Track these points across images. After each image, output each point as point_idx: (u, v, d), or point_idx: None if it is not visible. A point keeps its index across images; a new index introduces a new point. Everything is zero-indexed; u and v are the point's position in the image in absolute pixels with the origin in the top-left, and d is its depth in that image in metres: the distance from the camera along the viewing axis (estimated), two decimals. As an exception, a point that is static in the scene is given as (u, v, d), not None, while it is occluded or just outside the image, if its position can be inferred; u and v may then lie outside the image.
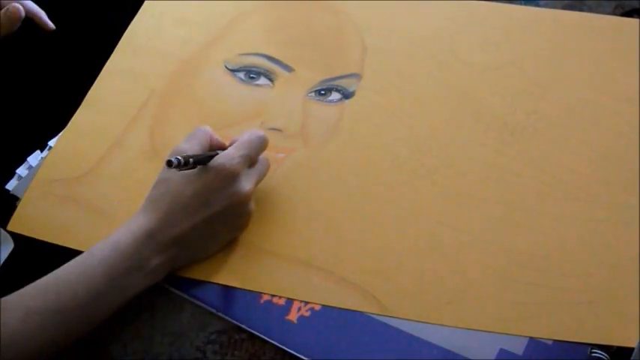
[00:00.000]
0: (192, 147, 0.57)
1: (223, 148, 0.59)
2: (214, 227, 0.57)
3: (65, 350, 0.53)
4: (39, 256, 0.62)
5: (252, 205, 0.59)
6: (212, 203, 0.55)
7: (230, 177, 0.56)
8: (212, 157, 0.57)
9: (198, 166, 0.56)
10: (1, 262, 0.61)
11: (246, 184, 0.57)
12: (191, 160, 0.54)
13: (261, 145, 0.59)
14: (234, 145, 0.58)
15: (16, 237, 0.63)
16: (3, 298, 0.51)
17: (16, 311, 0.50)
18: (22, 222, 0.64)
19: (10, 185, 0.67)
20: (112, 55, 0.75)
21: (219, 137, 0.60)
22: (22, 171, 0.67)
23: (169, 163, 0.53)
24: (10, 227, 0.64)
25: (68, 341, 0.53)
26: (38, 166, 0.67)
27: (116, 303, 0.54)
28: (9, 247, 0.62)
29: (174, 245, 0.56)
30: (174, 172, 0.56)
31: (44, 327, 0.51)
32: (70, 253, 0.61)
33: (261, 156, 0.60)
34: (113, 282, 0.53)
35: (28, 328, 0.50)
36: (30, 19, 0.72)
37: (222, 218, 0.57)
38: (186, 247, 0.56)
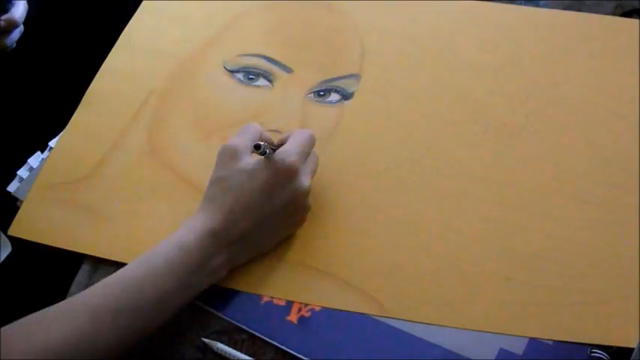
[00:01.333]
0: (243, 142, 0.57)
1: (272, 144, 0.59)
2: (275, 223, 0.57)
3: (130, 351, 0.53)
4: (39, 259, 0.62)
5: (310, 201, 0.59)
6: (274, 199, 0.56)
7: (291, 173, 0.56)
8: (275, 149, 0.57)
9: (259, 163, 0.56)
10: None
11: (305, 179, 0.57)
12: (267, 148, 0.55)
13: (312, 142, 0.60)
14: (290, 141, 0.58)
15: (17, 241, 0.64)
16: (69, 298, 0.52)
17: (84, 311, 0.50)
18: (22, 227, 0.64)
19: (12, 187, 0.67)
20: (110, 55, 0.75)
21: (268, 134, 0.61)
22: (23, 172, 0.68)
23: (257, 147, 0.54)
24: (10, 232, 0.64)
25: (135, 340, 0.53)
26: (39, 167, 0.68)
27: (180, 302, 0.54)
28: (7, 250, 0.62)
29: (236, 243, 0.56)
30: (231, 170, 0.56)
31: (111, 326, 0.51)
32: (71, 257, 0.62)
33: (313, 150, 0.61)
34: (178, 281, 0.53)
35: (97, 327, 0.50)
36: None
37: (283, 214, 0.57)
38: (247, 244, 0.57)
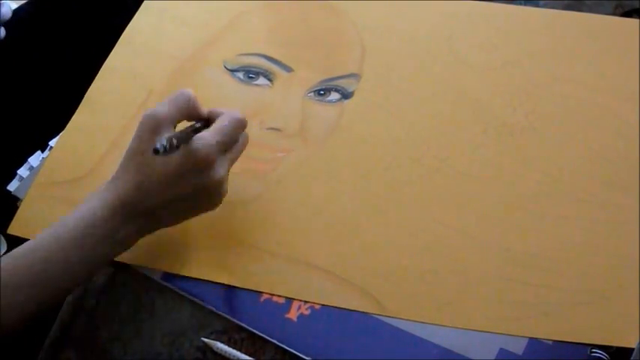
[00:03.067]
0: (170, 112, 0.55)
1: (202, 119, 0.58)
2: (185, 205, 0.56)
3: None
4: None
5: (226, 187, 0.58)
6: (186, 184, 0.54)
7: (205, 163, 0.54)
8: (193, 133, 0.55)
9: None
10: None
11: (219, 169, 0.55)
12: (175, 142, 0.51)
13: (238, 125, 0.57)
14: (212, 128, 0.56)
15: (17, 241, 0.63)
16: None
17: None
18: (21, 226, 0.64)
19: (12, 186, 0.67)
20: (111, 55, 0.75)
21: (201, 105, 0.58)
22: (23, 172, 0.67)
23: (156, 151, 0.49)
24: (10, 231, 0.64)
25: (40, 310, 0.53)
26: (39, 166, 0.67)
27: (87, 273, 0.55)
28: (2, 248, 0.62)
29: (142, 216, 0.55)
30: (145, 142, 0.54)
31: (15, 299, 0.51)
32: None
33: (242, 135, 0.59)
34: (84, 253, 0.53)
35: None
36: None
37: (193, 199, 0.56)
38: (154, 219, 0.56)
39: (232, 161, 0.58)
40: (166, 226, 0.58)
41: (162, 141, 0.50)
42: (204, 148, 0.54)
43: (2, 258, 0.52)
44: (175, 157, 0.53)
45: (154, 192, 0.54)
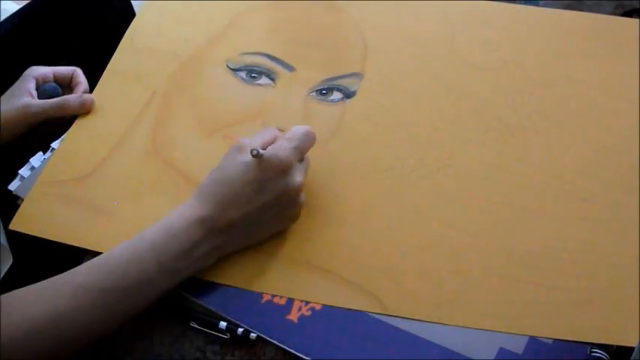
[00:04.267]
0: (254, 141, 0.58)
1: None
2: (265, 217, 0.57)
3: (114, 332, 0.54)
4: (39, 258, 0.62)
5: (304, 197, 0.59)
6: (265, 193, 0.56)
7: (283, 168, 0.56)
8: None
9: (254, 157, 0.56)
10: (0, 276, 0.61)
11: (297, 175, 0.57)
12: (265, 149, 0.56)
13: (311, 139, 0.60)
14: (286, 137, 0.58)
15: (17, 242, 0.63)
16: (52, 278, 0.52)
17: (65, 287, 0.51)
18: (23, 221, 0.64)
19: (13, 186, 0.67)
20: (114, 56, 0.76)
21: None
22: (24, 172, 0.67)
23: (253, 154, 0.55)
24: (11, 226, 0.64)
25: (116, 322, 0.53)
26: (41, 167, 0.67)
27: (165, 286, 0.54)
28: (8, 262, 0.62)
29: (224, 232, 0.56)
30: (230, 162, 0.56)
31: (93, 304, 0.51)
32: (73, 252, 0.62)
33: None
34: (163, 265, 0.54)
35: (77, 304, 0.50)
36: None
37: (274, 208, 0.57)
38: (236, 234, 0.57)
39: (307, 171, 0.60)
40: (247, 243, 0.59)
41: (257, 148, 0.55)
42: (281, 152, 0.56)
43: (80, 267, 0.53)
44: (255, 167, 0.55)
45: (234, 204, 0.55)
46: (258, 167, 0.55)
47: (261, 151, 0.55)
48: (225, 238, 0.56)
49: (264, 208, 0.56)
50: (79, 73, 0.73)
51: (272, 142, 0.59)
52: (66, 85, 0.73)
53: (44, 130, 0.71)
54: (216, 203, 0.55)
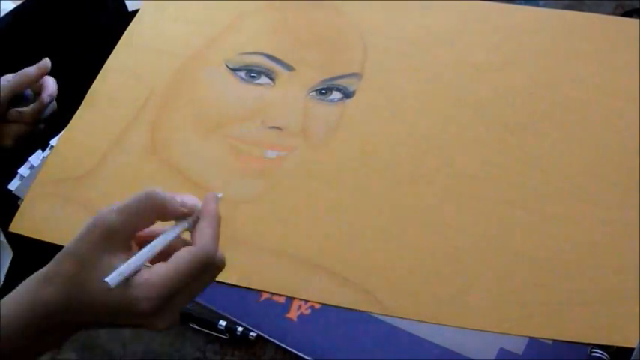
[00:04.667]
0: (127, 226, 0.43)
1: (185, 215, 0.45)
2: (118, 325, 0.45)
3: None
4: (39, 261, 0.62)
5: (168, 324, 0.45)
6: (118, 321, 0.44)
7: (142, 315, 0.43)
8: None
9: (109, 297, 0.42)
10: (3, 273, 0.60)
11: (159, 322, 0.43)
12: (127, 277, 0.42)
13: (203, 266, 0.43)
14: (166, 269, 0.42)
15: (17, 243, 0.63)
16: None
17: None
18: (23, 223, 0.64)
19: (13, 185, 0.67)
20: (113, 53, 0.76)
21: (174, 201, 0.45)
22: (24, 171, 0.67)
23: (105, 283, 0.41)
24: (12, 229, 0.64)
25: None
26: (40, 165, 0.67)
27: None
28: (8, 257, 0.62)
29: (71, 326, 0.45)
30: (92, 257, 0.43)
31: None
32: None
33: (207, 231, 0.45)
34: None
35: None
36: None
37: (126, 327, 0.45)
38: (82, 327, 0.45)
39: (190, 300, 0.45)
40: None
41: (115, 275, 0.41)
42: (146, 301, 0.42)
43: None
44: (116, 296, 0.42)
45: (83, 314, 0.43)
46: (117, 301, 0.42)
47: (113, 283, 0.41)
48: (70, 330, 0.45)
49: (116, 326, 0.45)
50: (48, 78, 0.70)
51: (150, 218, 0.44)
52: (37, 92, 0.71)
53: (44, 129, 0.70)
54: (65, 307, 0.43)
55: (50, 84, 0.71)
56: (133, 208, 0.43)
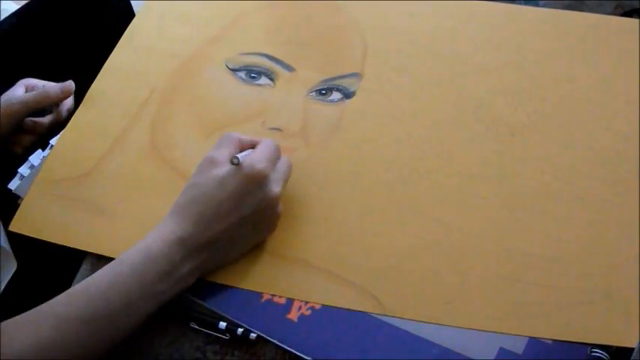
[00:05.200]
0: (222, 152, 0.57)
1: (252, 147, 0.60)
2: (244, 230, 0.57)
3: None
4: (39, 261, 0.62)
5: (281, 207, 0.59)
6: (243, 206, 0.55)
7: (260, 179, 0.56)
8: None
9: (228, 171, 0.55)
10: (4, 283, 0.61)
11: (274, 185, 0.57)
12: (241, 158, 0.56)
13: (278, 151, 0.59)
14: (257, 149, 0.58)
15: (17, 243, 0.63)
16: (35, 308, 0.51)
17: (48, 319, 0.50)
18: (23, 223, 0.64)
19: (13, 185, 0.67)
20: (113, 53, 0.76)
21: (248, 138, 0.60)
22: (24, 170, 0.67)
23: (233, 161, 0.55)
24: (11, 227, 0.64)
25: (103, 349, 0.52)
26: (40, 165, 0.67)
27: (148, 309, 0.54)
28: (12, 267, 0.62)
29: (204, 250, 0.55)
30: (203, 178, 0.56)
31: (78, 335, 0.50)
32: (72, 253, 0.62)
33: (284, 158, 0.60)
34: (144, 288, 0.53)
35: (60, 336, 0.50)
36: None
37: (252, 221, 0.57)
38: (216, 251, 0.56)
39: (285, 181, 0.59)
40: (227, 259, 0.58)
41: (236, 156, 0.56)
42: (256, 164, 0.55)
43: (60, 296, 0.52)
44: (231, 180, 0.55)
45: (213, 221, 0.55)
46: (234, 181, 0.55)
47: (241, 159, 0.55)
48: (205, 256, 0.56)
49: (242, 222, 0.56)
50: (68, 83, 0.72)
51: (238, 150, 0.58)
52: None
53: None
54: (194, 222, 0.55)
55: (69, 99, 0.72)
56: (223, 142, 0.59)
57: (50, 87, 0.70)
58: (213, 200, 0.55)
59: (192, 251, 0.55)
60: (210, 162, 0.57)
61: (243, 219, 0.56)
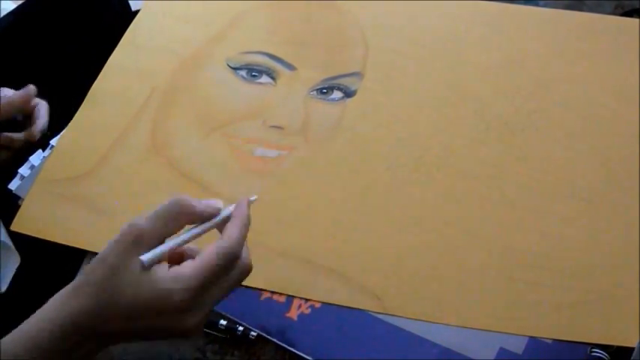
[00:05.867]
0: (155, 227, 0.45)
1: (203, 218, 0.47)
2: (144, 337, 0.46)
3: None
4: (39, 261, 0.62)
5: (200, 329, 0.47)
6: (148, 324, 0.45)
7: (175, 310, 0.44)
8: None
9: (152, 275, 0.44)
10: (9, 277, 0.60)
11: (191, 319, 0.45)
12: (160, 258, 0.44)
13: (233, 261, 0.45)
14: (197, 265, 0.44)
15: (18, 243, 0.63)
16: None
17: None
18: (24, 222, 0.64)
19: (13, 185, 0.67)
20: (114, 53, 0.76)
21: (196, 207, 0.46)
22: (24, 170, 0.67)
23: (142, 265, 0.43)
24: (13, 227, 0.64)
25: None
26: (40, 165, 0.67)
27: None
28: (15, 261, 0.61)
29: (98, 338, 0.45)
30: (124, 262, 0.44)
31: None
32: (72, 253, 0.62)
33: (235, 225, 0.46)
34: None
35: None
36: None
37: (154, 336, 0.46)
38: (111, 340, 0.46)
39: (219, 300, 0.46)
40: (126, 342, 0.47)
41: (149, 254, 0.43)
42: (177, 293, 0.43)
43: None
44: (147, 291, 0.44)
45: (114, 322, 0.44)
46: (149, 295, 0.44)
47: (146, 260, 0.43)
48: (98, 342, 0.46)
49: (144, 334, 0.46)
50: (40, 107, 0.67)
51: (177, 223, 0.45)
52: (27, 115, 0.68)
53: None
54: (94, 314, 0.44)
55: (42, 115, 0.67)
56: (162, 212, 0.45)
57: (10, 96, 0.65)
58: (119, 303, 0.44)
59: (87, 339, 0.45)
60: (137, 238, 0.44)
61: (145, 332, 0.45)
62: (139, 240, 0.44)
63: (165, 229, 0.45)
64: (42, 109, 0.67)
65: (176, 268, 0.44)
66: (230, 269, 0.45)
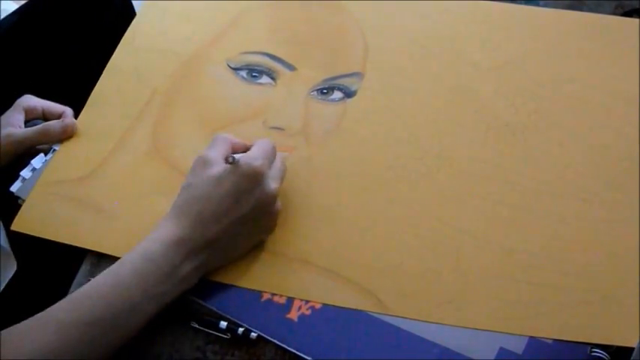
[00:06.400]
0: (215, 152, 0.57)
1: (244, 150, 0.59)
2: (244, 229, 0.57)
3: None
4: (39, 261, 0.62)
5: (279, 205, 0.59)
6: (241, 204, 0.55)
7: (257, 177, 0.56)
8: None
9: (225, 170, 0.56)
10: (4, 283, 0.61)
11: (272, 183, 0.57)
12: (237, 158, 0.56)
13: (275, 150, 0.60)
14: (254, 148, 0.58)
15: (19, 243, 0.63)
16: (37, 314, 0.51)
17: (52, 325, 0.50)
18: (25, 222, 0.64)
19: (14, 187, 0.67)
20: (114, 54, 0.75)
21: (239, 141, 0.61)
22: (25, 173, 0.67)
23: (227, 160, 0.55)
24: (13, 227, 0.64)
25: (107, 352, 0.52)
26: (42, 168, 0.67)
27: (151, 311, 0.54)
28: (12, 268, 0.62)
29: (204, 250, 0.55)
30: (200, 178, 0.56)
31: (81, 339, 0.50)
32: (72, 253, 0.62)
33: (279, 156, 0.61)
34: (146, 291, 0.53)
35: (65, 341, 0.49)
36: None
37: (251, 219, 0.57)
38: (216, 250, 0.56)
39: (282, 178, 0.59)
40: (229, 258, 0.58)
41: (232, 155, 0.56)
42: (253, 162, 0.56)
43: (62, 301, 0.52)
44: (228, 179, 0.55)
45: (212, 220, 0.55)
46: (231, 179, 0.55)
47: (237, 158, 0.55)
48: (205, 257, 0.56)
49: (241, 221, 0.56)
50: (68, 113, 0.71)
51: (230, 150, 0.59)
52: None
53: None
54: (192, 222, 0.55)
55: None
56: (217, 142, 0.59)
57: (51, 125, 0.68)
58: (211, 200, 0.55)
59: (192, 252, 0.55)
60: (204, 162, 0.57)
61: (241, 218, 0.56)
62: (208, 163, 0.57)
63: (220, 151, 0.58)
64: (69, 114, 0.71)
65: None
66: (274, 153, 0.59)
